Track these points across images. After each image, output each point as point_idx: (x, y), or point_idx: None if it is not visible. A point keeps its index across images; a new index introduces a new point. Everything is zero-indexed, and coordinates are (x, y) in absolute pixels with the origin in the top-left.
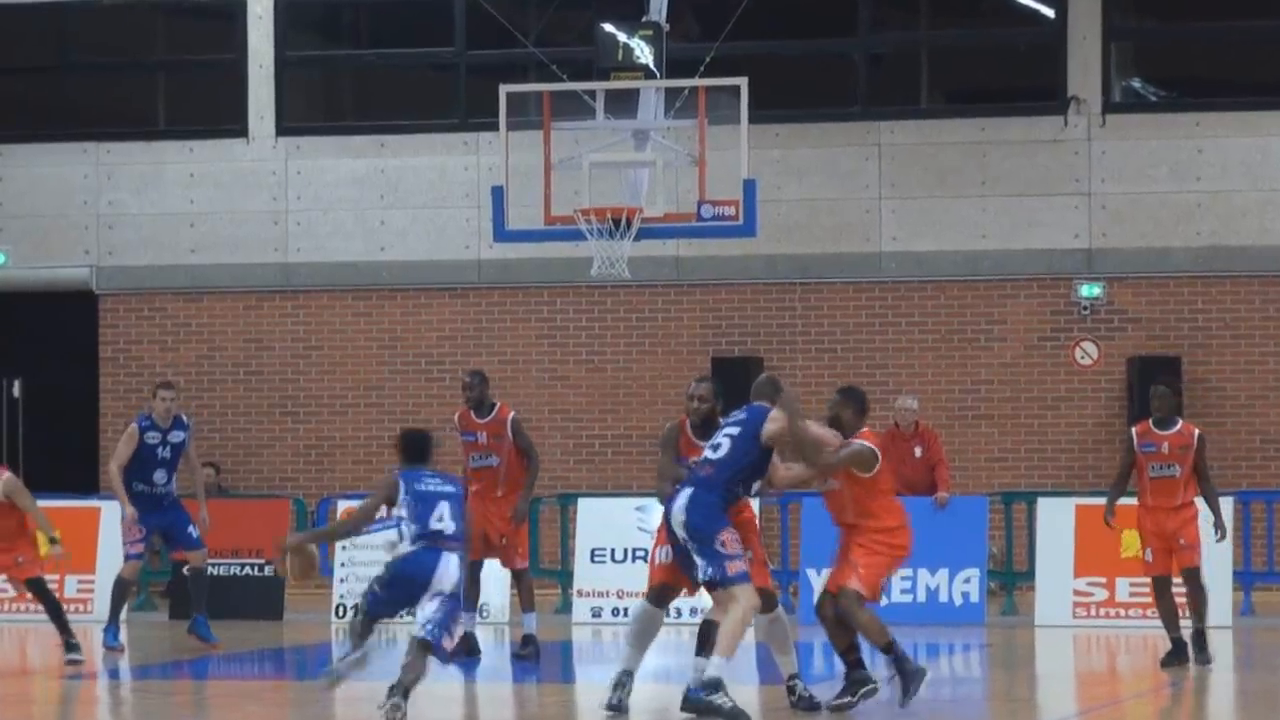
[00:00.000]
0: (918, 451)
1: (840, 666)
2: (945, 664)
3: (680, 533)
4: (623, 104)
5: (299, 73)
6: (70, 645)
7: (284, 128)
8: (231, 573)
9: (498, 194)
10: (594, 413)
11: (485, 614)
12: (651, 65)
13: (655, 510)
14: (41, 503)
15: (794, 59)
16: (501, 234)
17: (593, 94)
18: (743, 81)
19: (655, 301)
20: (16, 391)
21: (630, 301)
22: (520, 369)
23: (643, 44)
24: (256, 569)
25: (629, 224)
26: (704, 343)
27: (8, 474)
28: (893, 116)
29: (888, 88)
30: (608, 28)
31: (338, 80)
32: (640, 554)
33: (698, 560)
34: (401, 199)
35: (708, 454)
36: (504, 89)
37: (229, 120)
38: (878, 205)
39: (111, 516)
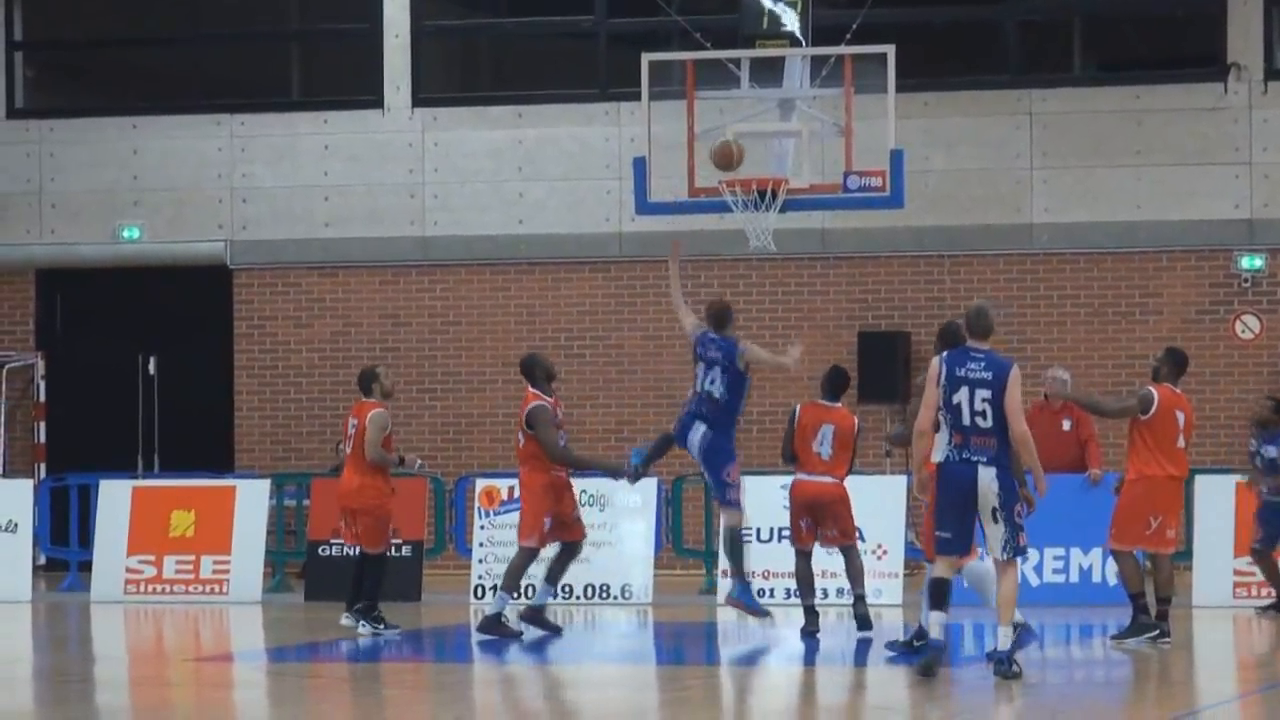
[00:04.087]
0: (1066, 425)
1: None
2: (1099, 645)
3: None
4: (767, 72)
5: (435, 42)
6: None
7: (420, 98)
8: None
9: (640, 165)
10: None
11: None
12: (797, 33)
13: None
14: (176, 481)
15: (943, 25)
16: (644, 206)
17: (737, 62)
18: (890, 49)
19: (801, 275)
20: (152, 368)
21: (775, 275)
22: (663, 344)
23: (788, 10)
24: (394, 549)
25: (774, 195)
26: (850, 317)
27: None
28: (1045, 84)
29: (1039, 54)
30: None
31: (475, 49)
32: (785, 533)
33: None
34: (540, 171)
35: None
36: (646, 58)
37: (364, 91)
38: (1029, 175)
39: (246, 495)
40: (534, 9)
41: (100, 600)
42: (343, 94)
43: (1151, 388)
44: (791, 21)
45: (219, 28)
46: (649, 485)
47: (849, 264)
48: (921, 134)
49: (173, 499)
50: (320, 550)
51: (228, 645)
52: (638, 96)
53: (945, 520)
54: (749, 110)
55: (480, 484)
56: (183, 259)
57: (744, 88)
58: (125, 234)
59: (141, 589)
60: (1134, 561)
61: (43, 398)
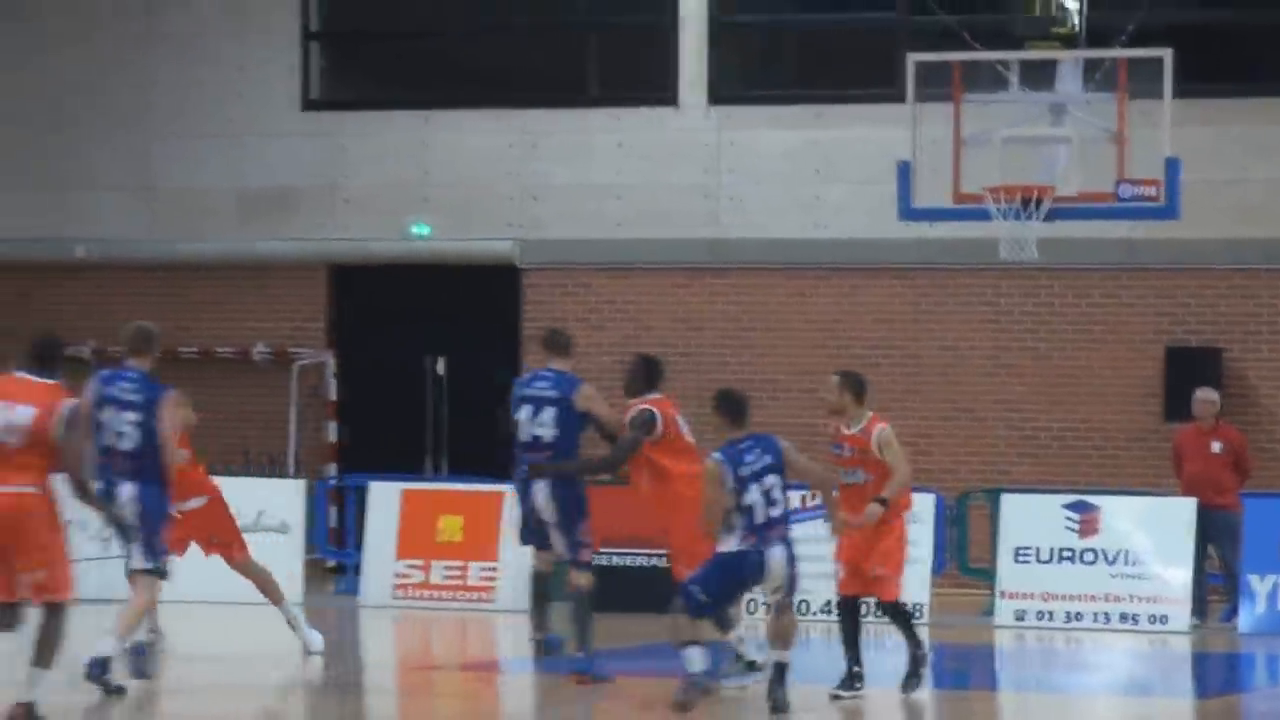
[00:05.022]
0: (1216, 447)
1: None
2: None
3: None
4: (1038, 75)
5: (733, 39)
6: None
7: (716, 96)
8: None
9: (904, 170)
10: (1039, 403)
11: None
12: (1075, 24)
13: (1088, 508)
14: (444, 485)
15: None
16: (908, 212)
17: (1005, 64)
18: (1166, 53)
19: (1105, 286)
20: (441, 369)
21: (1078, 286)
22: (961, 355)
23: (1066, 9)
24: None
25: (1039, 203)
26: (1158, 331)
27: None
28: None
29: None
30: None
31: (776, 46)
32: (1067, 555)
33: None
34: (837, 173)
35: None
36: (912, 59)
37: (658, 88)
38: None
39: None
40: (835, 6)
41: (369, 604)
42: (636, 91)
43: None
44: (1070, 21)
45: (511, 19)
46: None
47: (1157, 275)
48: (1238, 142)
49: (441, 503)
50: None
51: (493, 653)
52: (937, 98)
53: None
54: (1018, 115)
55: None
56: (472, 257)
57: (1012, 91)
58: (415, 231)
59: (410, 594)
60: None
61: (334, 396)
